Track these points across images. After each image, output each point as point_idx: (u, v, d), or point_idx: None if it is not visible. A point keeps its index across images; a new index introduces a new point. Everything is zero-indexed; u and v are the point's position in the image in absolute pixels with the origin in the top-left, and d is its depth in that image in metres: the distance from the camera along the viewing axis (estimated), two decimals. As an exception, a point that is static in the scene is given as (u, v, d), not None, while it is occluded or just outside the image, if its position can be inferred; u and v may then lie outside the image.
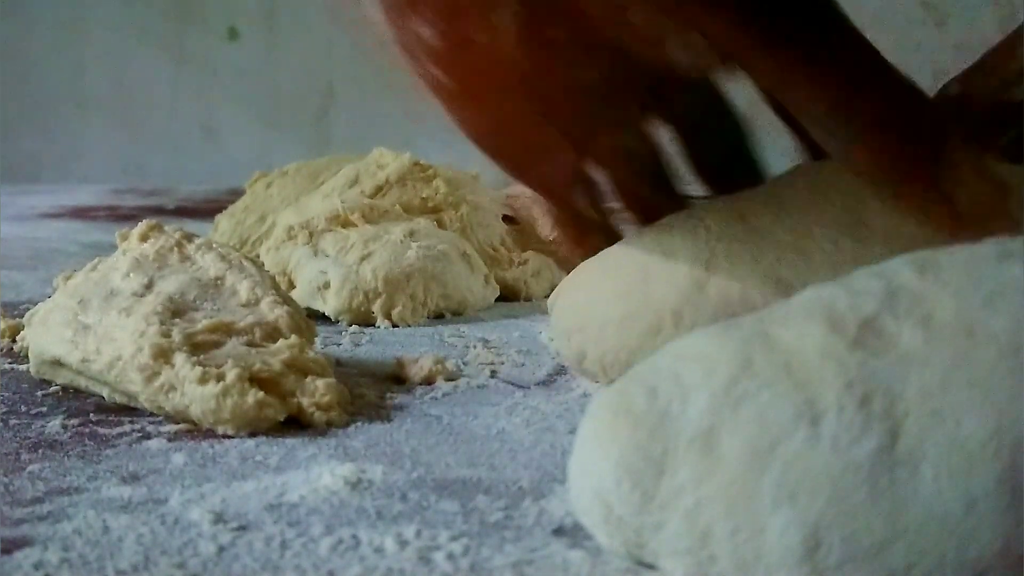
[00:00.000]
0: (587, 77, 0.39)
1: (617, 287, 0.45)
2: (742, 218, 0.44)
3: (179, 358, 0.43)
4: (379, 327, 0.62)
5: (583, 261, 0.48)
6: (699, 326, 0.40)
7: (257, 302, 0.48)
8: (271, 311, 0.48)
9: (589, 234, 0.47)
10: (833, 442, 0.27)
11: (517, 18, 0.35)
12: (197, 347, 0.44)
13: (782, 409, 0.28)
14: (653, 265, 0.45)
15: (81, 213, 1.17)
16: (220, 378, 0.42)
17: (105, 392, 0.46)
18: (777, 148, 0.48)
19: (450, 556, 0.31)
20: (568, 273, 0.49)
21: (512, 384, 0.49)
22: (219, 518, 0.33)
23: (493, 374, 0.51)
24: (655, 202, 0.46)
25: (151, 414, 0.44)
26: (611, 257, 0.47)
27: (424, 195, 0.73)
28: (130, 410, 0.45)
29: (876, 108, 0.37)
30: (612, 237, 0.48)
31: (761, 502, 0.27)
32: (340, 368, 0.51)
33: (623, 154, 0.45)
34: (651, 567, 0.30)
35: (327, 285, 0.63)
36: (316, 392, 0.43)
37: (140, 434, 0.42)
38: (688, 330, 0.39)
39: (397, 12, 0.37)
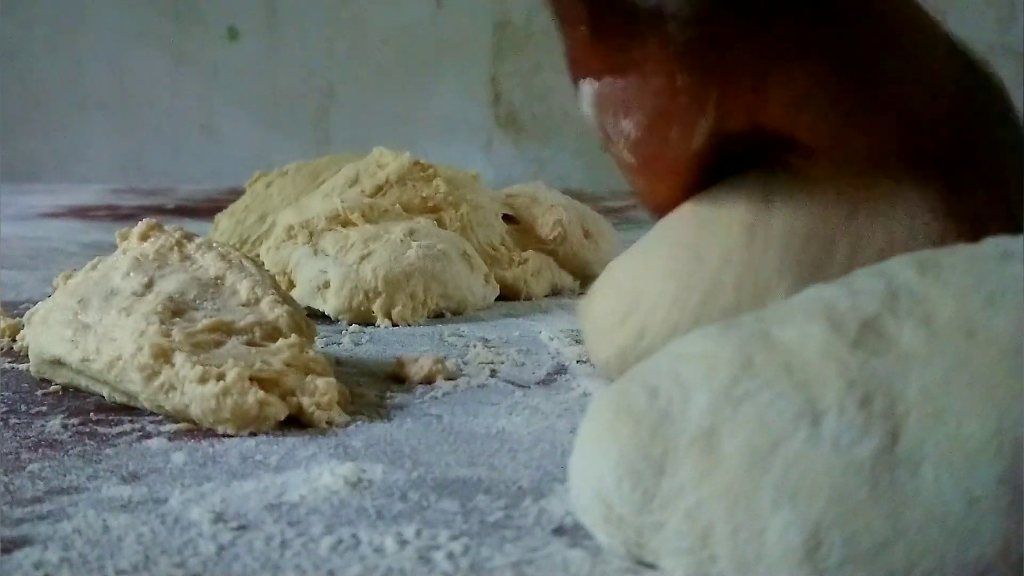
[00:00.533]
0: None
1: (667, 264, 0.46)
2: (770, 195, 0.45)
3: (179, 357, 0.43)
4: (379, 326, 0.62)
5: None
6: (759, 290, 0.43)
7: (257, 301, 0.48)
8: (271, 310, 0.48)
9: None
10: (834, 442, 0.27)
11: (710, 128, 0.44)
12: (197, 346, 0.44)
13: (783, 409, 0.28)
14: (699, 238, 0.46)
15: (81, 213, 1.17)
16: (220, 377, 0.42)
17: (105, 391, 0.46)
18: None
19: (450, 555, 0.31)
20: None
21: (512, 383, 0.49)
22: (219, 517, 0.33)
23: (493, 373, 0.51)
24: None
25: (151, 413, 0.44)
26: (650, 242, 0.48)
27: (424, 194, 0.73)
28: (130, 409, 0.45)
29: None
30: None
31: (762, 502, 0.27)
32: (340, 367, 0.51)
33: None
34: (651, 566, 0.30)
35: (327, 284, 0.63)
36: (316, 391, 0.43)
37: (140, 433, 0.42)
38: (747, 298, 0.43)
39: (610, 111, 0.45)
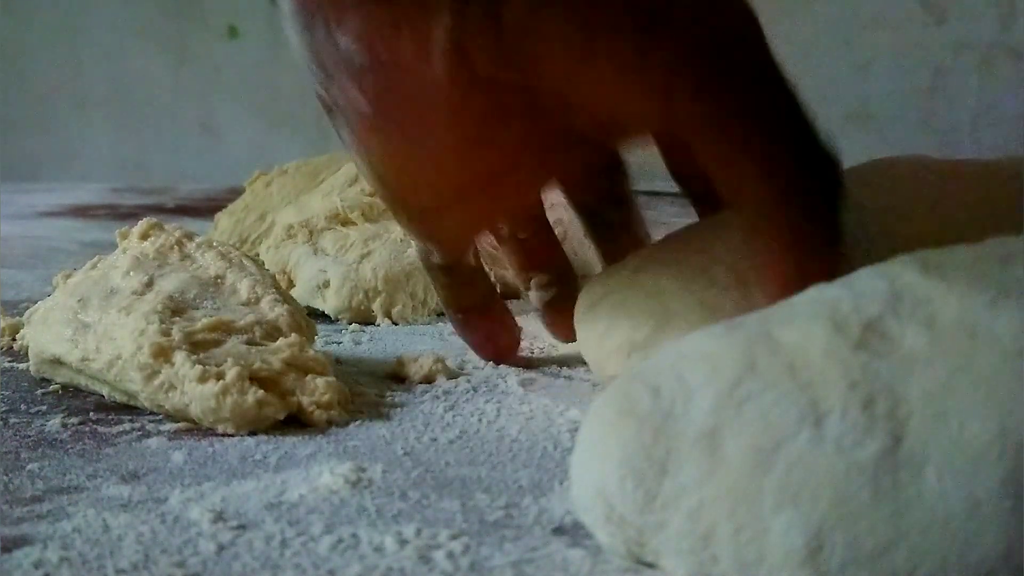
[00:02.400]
0: (515, 127, 0.37)
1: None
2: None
3: (179, 357, 0.43)
4: (379, 325, 0.62)
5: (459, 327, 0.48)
6: None
7: (257, 301, 0.48)
8: (271, 310, 0.48)
9: (471, 296, 0.47)
10: (836, 444, 0.27)
11: (451, 38, 0.33)
12: (197, 346, 0.44)
13: (785, 410, 0.28)
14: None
15: (81, 211, 1.16)
16: (220, 377, 0.42)
17: (105, 391, 0.46)
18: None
19: (450, 555, 0.31)
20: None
21: (512, 382, 0.49)
22: (219, 517, 0.33)
23: (493, 372, 0.51)
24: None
25: (151, 413, 0.44)
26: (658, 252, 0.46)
27: (424, 194, 0.73)
28: (130, 409, 0.45)
29: (800, 204, 0.35)
30: (490, 303, 0.48)
31: (764, 503, 0.27)
32: (340, 367, 0.51)
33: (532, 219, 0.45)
34: (652, 566, 0.30)
35: (327, 284, 0.63)
36: (316, 391, 0.43)
37: (140, 433, 0.42)
38: None
39: (318, 23, 0.34)
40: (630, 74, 0.34)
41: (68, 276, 0.52)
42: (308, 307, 0.61)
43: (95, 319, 0.46)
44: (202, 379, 0.42)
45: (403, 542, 0.32)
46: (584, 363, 0.50)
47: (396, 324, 0.62)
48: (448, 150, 0.36)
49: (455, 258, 0.43)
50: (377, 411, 0.45)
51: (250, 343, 0.45)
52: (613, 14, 0.33)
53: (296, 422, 0.43)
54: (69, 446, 0.40)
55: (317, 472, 0.37)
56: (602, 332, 0.44)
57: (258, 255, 0.70)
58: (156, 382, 0.43)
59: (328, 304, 0.63)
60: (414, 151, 0.36)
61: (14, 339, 0.54)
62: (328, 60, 0.34)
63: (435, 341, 0.58)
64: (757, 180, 0.34)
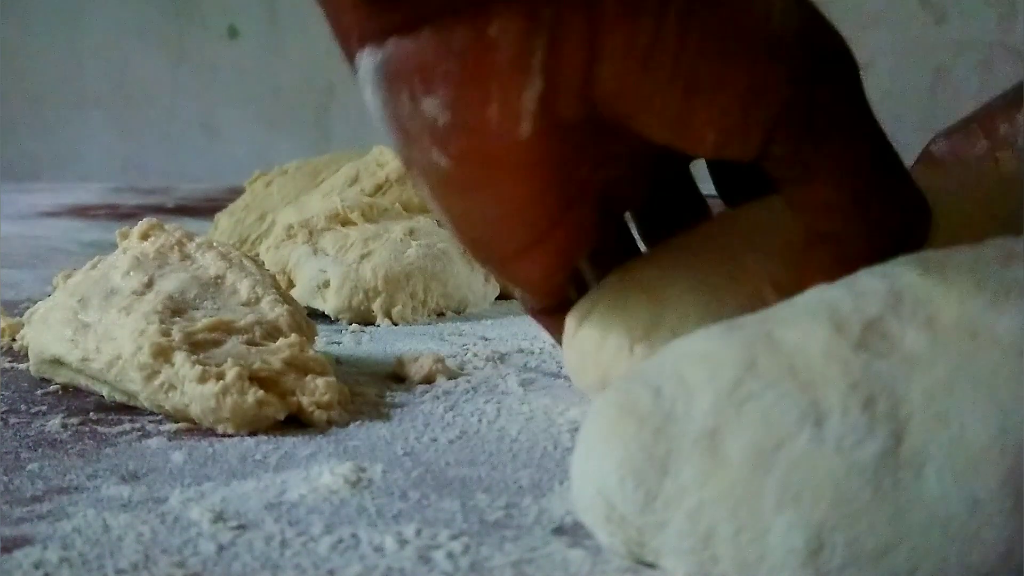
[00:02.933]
0: (599, 173, 0.38)
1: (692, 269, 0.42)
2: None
3: (179, 357, 0.43)
4: (379, 326, 0.62)
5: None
6: None
7: (257, 301, 0.48)
8: (271, 310, 0.48)
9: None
10: (837, 444, 0.27)
11: (543, 102, 0.33)
12: (197, 346, 0.44)
13: (786, 410, 0.28)
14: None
15: (81, 211, 1.16)
16: (220, 377, 0.42)
17: (105, 391, 0.46)
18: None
19: (450, 555, 0.31)
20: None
21: (512, 382, 0.49)
22: (219, 517, 0.33)
23: (494, 372, 0.51)
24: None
25: (151, 413, 0.44)
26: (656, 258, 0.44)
27: (424, 194, 0.73)
28: (130, 409, 0.45)
29: (877, 208, 0.35)
30: None
31: (764, 503, 0.27)
32: (340, 367, 0.51)
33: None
34: (652, 566, 0.29)
35: (327, 284, 0.63)
36: (316, 391, 0.43)
37: (140, 433, 0.42)
38: None
39: (404, 89, 0.33)
40: (731, 132, 0.34)
41: (68, 276, 0.52)
42: (308, 307, 0.61)
43: (95, 319, 0.46)
44: (202, 379, 0.42)
45: (403, 542, 0.32)
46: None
47: (396, 324, 0.62)
48: (527, 199, 0.36)
49: (552, 299, 0.42)
50: (377, 411, 0.45)
51: (250, 343, 0.45)
52: (715, 70, 0.33)
53: (296, 422, 0.43)
54: (69, 446, 0.40)
55: (317, 472, 0.37)
56: (595, 347, 0.42)
57: (258, 255, 0.70)
58: (156, 382, 0.43)
59: (328, 304, 0.63)
60: (494, 204, 0.36)
61: (14, 339, 0.54)
62: (411, 125, 0.34)
63: (435, 341, 0.58)
64: (845, 222, 0.35)
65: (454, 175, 0.34)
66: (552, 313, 0.43)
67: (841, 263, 0.33)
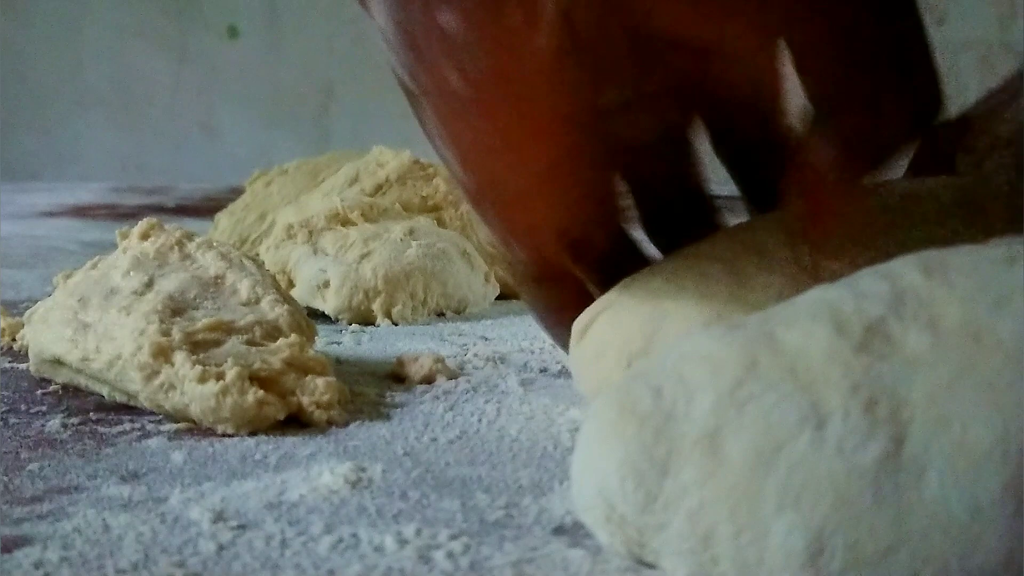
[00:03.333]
0: (620, 128, 0.36)
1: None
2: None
3: (179, 357, 0.43)
4: (379, 326, 0.62)
5: (557, 328, 0.43)
6: None
7: (257, 301, 0.48)
8: (271, 310, 0.48)
9: (567, 294, 0.43)
10: (838, 446, 0.27)
11: (559, 5, 0.31)
12: (197, 346, 0.44)
13: (787, 412, 0.27)
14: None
15: (81, 211, 1.16)
16: (220, 377, 0.42)
17: (105, 391, 0.46)
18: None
19: (450, 555, 0.31)
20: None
21: (512, 382, 0.49)
22: (219, 517, 0.33)
23: (494, 372, 0.51)
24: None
25: (151, 413, 0.44)
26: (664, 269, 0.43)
27: (424, 193, 0.73)
28: (130, 409, 0.45)
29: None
30: (586, 300, 0.43)
31: (765, 505, 0.27)
32: (340, 367, 0.51)
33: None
34: (652, 567, 0.29)
35: (327, 284, 0.63)
36: (316, 391, 0.43)
37: (140, 433, 0.42)
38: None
39: (415, 1, 0.31)
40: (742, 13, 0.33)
41: (68, 276, 0.52)
42: (308, 307, 0.61)
43: (95, 319, 0.46)
44: (202, 379, 0.42)
45: (403, 542, 0.32)
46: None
47: (396, 324, 0.62)
48: (543, 124, 0.34)
49: (543, 255, 0.40)
50: (377, 411, 0.45)
51: (250, 343, 0.45)
52: None
53: (296, 422, 0.43)
54: (69, 446, 0.40)
55: (317, 472, 0.37)
56: (595, 356, 0.42)
57: (258, 255, 0.70)
58: (156, 382, 0.43)
59: (328, 304, 0.63)
60: (507, 130, 0.34)
61: (14, 339, 0.54)
62: (423, 40, 0.32)
63: (435, 341, 0.58)
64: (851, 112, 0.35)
65: (469, 97, 0.32)
66: (543, 282, 0.41)
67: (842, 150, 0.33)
